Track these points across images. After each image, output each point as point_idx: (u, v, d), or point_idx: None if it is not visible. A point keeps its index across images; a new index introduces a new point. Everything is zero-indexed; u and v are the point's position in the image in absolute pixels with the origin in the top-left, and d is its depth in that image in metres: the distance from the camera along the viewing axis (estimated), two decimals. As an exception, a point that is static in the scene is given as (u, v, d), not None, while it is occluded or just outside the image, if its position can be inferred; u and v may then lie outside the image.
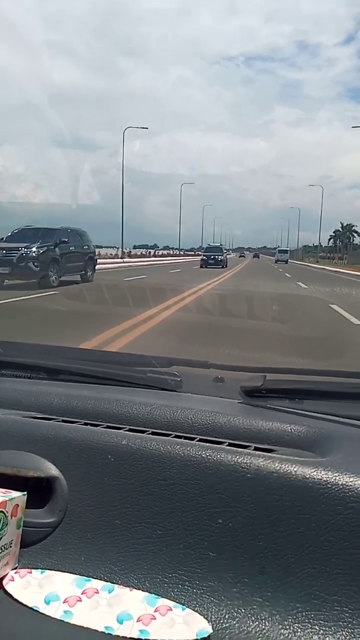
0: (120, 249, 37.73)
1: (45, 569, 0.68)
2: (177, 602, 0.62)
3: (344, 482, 0.65)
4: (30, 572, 0.67)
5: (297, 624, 0.59)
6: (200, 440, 0.78)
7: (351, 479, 0.65)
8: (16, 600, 0.63)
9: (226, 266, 30.89)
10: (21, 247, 11.65)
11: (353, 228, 79.61)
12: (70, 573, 0.67)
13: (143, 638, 0.58)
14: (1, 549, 0.65)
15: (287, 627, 0.58)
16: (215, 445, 0.74)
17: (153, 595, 0.63)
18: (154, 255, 51.60)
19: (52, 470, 0.75)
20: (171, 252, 74.13)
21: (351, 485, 0.64)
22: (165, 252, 76.17)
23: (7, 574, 0.66)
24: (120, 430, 0.80)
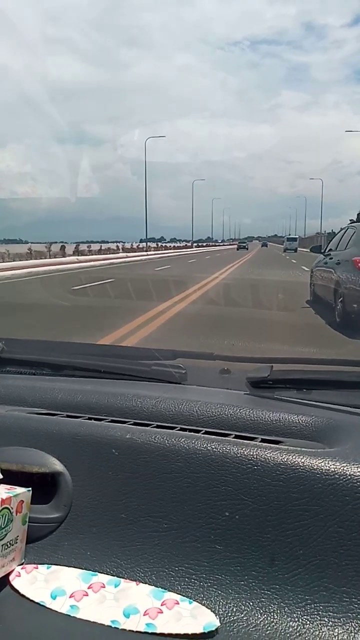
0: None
1: (51, 564, 0.67)
2: (184, 596, 0.61)
3: (352, 473, 0.64)
4: (37, 568, 0.67)
5: (306, 616, 0.58)
6: (206, 432, 0.77)
7: (359, 469, 0.64)
8: (23, 595, 0.63)
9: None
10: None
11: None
12: (76, 568, 0.66)
13: (150, 632, 0.57)
14: (7, 545, 0.65)
15: (296, 619, 0.58)
16: (222, 438, 0.74)
17: (159, 589, 0.62)
18: (154, 249, 47.90)
19: (57, 465, 0.74)
20: (176, 244, 72.64)
21: (359, 476, 0.63)
22: (171, 244, 74.49)
23: (13, 570, 0.66)
24: (124, 424, 0.80)
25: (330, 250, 7.13)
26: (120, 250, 37.67)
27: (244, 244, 63.44)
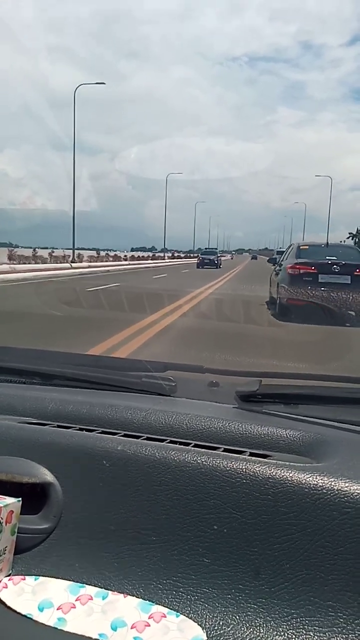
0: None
1: (39, 575, 0.67)
2: (172, 609, 0.61)
3: (339, 488, 0.65)
4: (24, 579, 0.66)
5: (291, 630, 0.58)
6: (196, 445, 0.78)
7: (346, 485, 0.65)
8: (10, 607, 0.62)
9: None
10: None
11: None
12: (65, 579, 0.66)
13: None
14: None
15: (282, 633, 0.58)
16: (211, 451, 0.74)
17: (147, 601, 0.62)
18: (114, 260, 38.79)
19: (47, 476, 0.74)
20: (151, 254, 63.11)
21: (346, 491, 0.64)
22: (148, 254, 66.81)
23: (0, 581, 0.66)
24: (115, 436, 0.80)
25: (280, 261, 9.61)
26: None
27: (210, 258, 34.49)
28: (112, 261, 37.13)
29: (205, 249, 43.71)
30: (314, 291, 7.62)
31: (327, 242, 9.57)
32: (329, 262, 7.98)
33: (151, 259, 50.48)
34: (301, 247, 9.04)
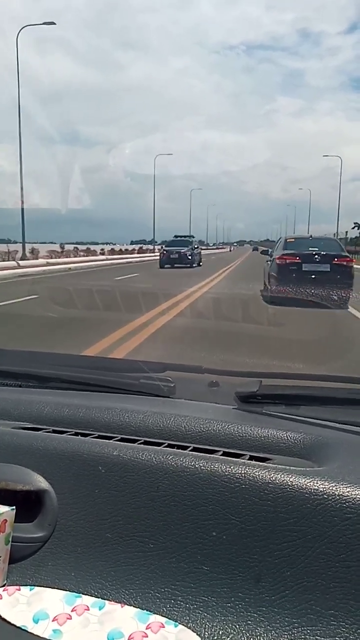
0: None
1: (35, 585, 0.66)
2: (170, 618, 0.60)
3: (340, 493, 0.63)
4: (19, 589, 0.65)
5: None
6: (194, 449, 0.76)
7: (348, 489, 0.63)
8: (4, 619, 0.61)
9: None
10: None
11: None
12: (60, 589, 0.65)
13: None
14: None
15: None
16: (209, 455, 0.73)
17: (145, 611, 0.61)
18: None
19: (42, 483, 0.73)
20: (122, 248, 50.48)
21: (348, 496, 0.63)
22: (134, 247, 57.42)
23: None
24: (111, 441, 0.79)
25: (271, 253, 10.78)
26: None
27: (180, 252, 22.40)
28: (84, 256, 30.89)
29: (175, 237, 25.89)
30: (299, 278, 8.86)
31: (311, 235, 11.19)
32: (312, 252, 9.25)
33: (137, 252, 44.18)
34: (288, 240, 10.41)
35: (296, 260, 9.21)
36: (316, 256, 9.15)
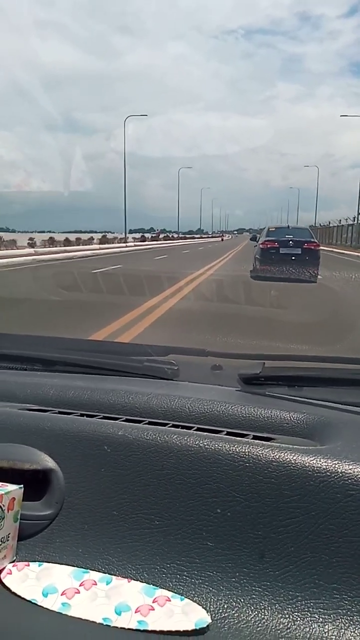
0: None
1: (43, 561, 0.67)
2: (176, 593, 0.61)
3: (343, 470, 0.64)
4: (28, 565, 0.66)
5: (296, 613, 0.58)
6: (198, 429, 0.77)
7: (350, 467, 0.64)
8: (14, 593, 0.63)
9: None
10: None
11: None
12: (68, 565, 0.66)
13: (141, 629, 0.57)
14: None
15: (287, 616, 0.58)
16: (213, 435, 0.74)
17: (151, 586, 0.62)
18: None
19: (49, 462, 0.74)
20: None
21: (350, 473, 0.64)
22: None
23: (4, 568, 0.66)
24: (116, 421, 0.80)
25: (258, 240, 13.22)
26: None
27: None
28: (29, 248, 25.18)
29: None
30: (277, 259, 11.52)
31: (288, 225, 14.29)
32: (287, 239, 11.91)
33: (100, 243, 36.19)
34: (270, 229, 13.07)
35: (275, 245, 11.82)
36: (290, 242, 11.78)
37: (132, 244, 36.07)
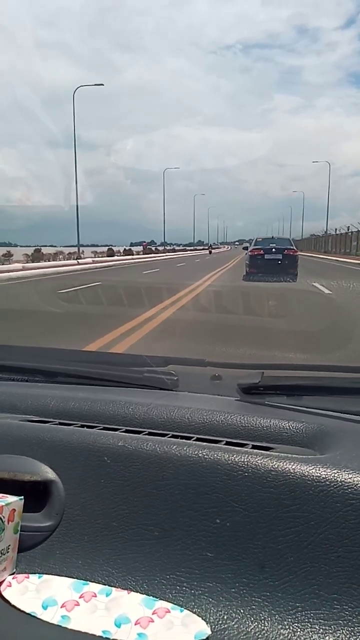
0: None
1: (43, 573, 0.67)
2: (176, 604, 0.61)
3: (342, 479, 0.64)
4: (28, 577, 0.66)
5: (296, 624, 0.58)
6: (197, 439, 0.77)
7: (350, 476, 0.64)
8: (14, 606, 0.62)
9: None
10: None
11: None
12: (68, 577, 0.66)
13: None
14: None
15: (287, 627, 0.58)
16: (212, 445, 0.74)
17: (151, 597, 0.62)
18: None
19: (49, 473, 0.74)
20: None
21: (350, 482, 0.64)
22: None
23: (4, 580, 0.65)
24: (116, 432, 0.80)
25: (248, 248, 16.21)
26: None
27: None
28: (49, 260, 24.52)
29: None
30: (263, 264, 14.29)
31: (273, 236, 16.65)
32: (271, 247, 14.66)
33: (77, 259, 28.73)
34: (257, 240, 15.86)
35: (261, 252, 14.61)
36: (273, 249, 14.52)
37: (90, 259, 29.43)
